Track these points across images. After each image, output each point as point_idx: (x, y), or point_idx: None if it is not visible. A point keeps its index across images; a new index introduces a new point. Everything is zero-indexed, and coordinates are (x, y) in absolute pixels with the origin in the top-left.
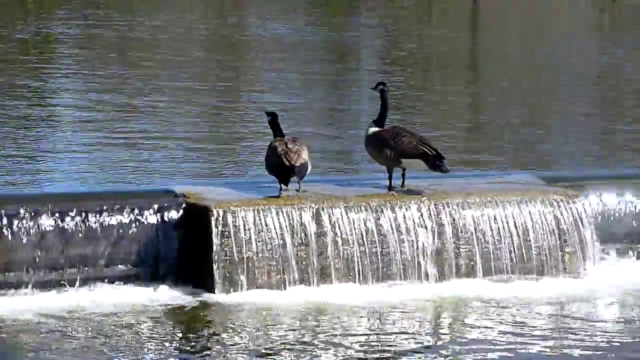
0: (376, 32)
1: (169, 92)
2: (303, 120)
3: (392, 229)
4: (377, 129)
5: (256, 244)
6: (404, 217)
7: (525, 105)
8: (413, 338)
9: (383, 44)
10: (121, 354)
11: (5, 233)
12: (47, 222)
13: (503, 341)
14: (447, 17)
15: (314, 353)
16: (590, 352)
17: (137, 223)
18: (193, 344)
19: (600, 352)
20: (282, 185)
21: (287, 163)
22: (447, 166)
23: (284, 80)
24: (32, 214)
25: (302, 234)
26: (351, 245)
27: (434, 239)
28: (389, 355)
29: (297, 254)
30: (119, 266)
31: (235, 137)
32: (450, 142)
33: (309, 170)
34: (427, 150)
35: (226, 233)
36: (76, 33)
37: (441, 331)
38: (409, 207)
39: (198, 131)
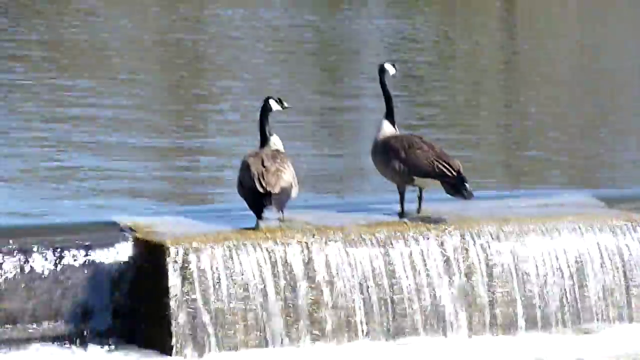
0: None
1: (117, 99)
2: (293, 129)
3: (405, 269)
4: (390, 128)
5: (228, 291)
6: (422, 253)
7: (578, 115)
8: None
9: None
10: None
11: None
12: None
13: None
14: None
15: None
16: None
17: (68, 266)
18: None
19: None
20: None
21: (261, 189)
22: (470, 191)
23: (268, 84)
24: None
25: (288, 278)
26: (353, 291)
27: (460, 280)
28: None
29: (283, 304)
30: (45, 323)
31: (198, 153)
32: (484, 155)
33: (293, 195)
34: (445, 170)
35: (187, 278)
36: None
37: None
38: (428, 239)
39: (148, 147)
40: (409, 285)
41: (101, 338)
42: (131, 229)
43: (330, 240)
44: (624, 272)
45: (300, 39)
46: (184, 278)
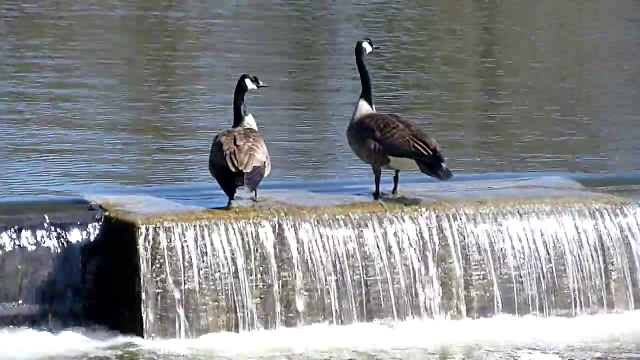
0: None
1: (89, 77)
2: (267, 108)
3: (380, 251)
4: (367, 107)
5: (199, 272)
6: (396, 234)
7: (557, 95)
8: None
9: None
10: None
11: None
12: None
13: None
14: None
15: None
16: None
17: (38, 245)
18: None
19: None
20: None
21: (233, 169)
22: (448, 171)
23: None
24: None
25: (261, 259)
26: (326, 273)
27: (436, 263)
28: None
29: (254, 286)
30: (15, 303)
31: (170, 132)
32: (461, 137)
33: (266, 174)
34: (421, 149)
35: (158, 258)
36: None
37: None
38: (403, 221)
39: (121, 123)
40: (384, 267)
41: (71, 319)
42: (102, 208)
43: (303, 221)
44: (604, 256)
45: (279, 14)
46: (155, 258)
